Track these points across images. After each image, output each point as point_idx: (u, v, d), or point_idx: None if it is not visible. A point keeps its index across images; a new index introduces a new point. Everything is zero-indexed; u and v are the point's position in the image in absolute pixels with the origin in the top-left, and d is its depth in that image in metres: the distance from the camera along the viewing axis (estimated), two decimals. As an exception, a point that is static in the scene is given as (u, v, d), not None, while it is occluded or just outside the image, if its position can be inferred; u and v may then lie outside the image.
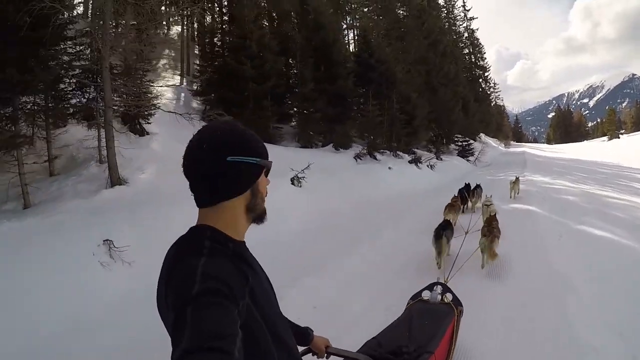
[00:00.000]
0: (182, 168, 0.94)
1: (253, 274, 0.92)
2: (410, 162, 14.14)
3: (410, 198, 9.83)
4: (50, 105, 6.63)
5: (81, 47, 6.85)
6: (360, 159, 12.25)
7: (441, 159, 17.79)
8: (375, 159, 12.93)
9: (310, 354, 1.47)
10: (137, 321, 3.73)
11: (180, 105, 12.42)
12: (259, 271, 0.99)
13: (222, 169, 0.91)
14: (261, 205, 1.00)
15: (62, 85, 6.87)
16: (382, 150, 13.58)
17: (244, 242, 0.98)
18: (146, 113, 8.48)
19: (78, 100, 7.29)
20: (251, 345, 0.84)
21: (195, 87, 13.39)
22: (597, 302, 3.52)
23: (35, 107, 6.41)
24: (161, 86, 13.22)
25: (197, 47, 17.30)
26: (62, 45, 6.62)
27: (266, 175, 1.01)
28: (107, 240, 4.62)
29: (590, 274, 4.14)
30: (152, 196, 5.81)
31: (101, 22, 6.39)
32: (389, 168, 12.16)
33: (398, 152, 14.80)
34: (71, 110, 7.17)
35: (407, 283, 3.63)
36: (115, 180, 6.20)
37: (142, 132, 8.56)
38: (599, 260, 4.59)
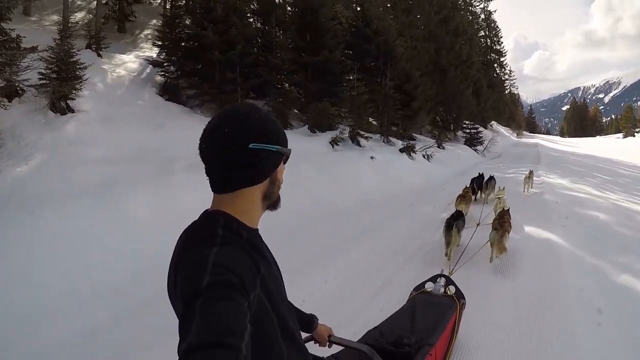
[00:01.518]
0: (198, 151, 0.89)
1: (265, 263, 0.90)
2: (401, 150, 11.77)
3: (389, 206, 7.30)
4: None
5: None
6: (338, 145, 9.98)
7: (443, 148, 15.72)
8: (359, 145, 10.71)
9: (313, 341, 1.42)
10: None
11: (142, 78, 10.75)
12: (270, 259, 0.96)
13: (244, 156, 0.87)
14: (277, 192, 0.98)
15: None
16: (367, 136, 11.26)
17: (257, 229, 0.96)
18: (68, 86, 6.83)
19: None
20: (260, 338, 0.82)
21: (160, 58, 11.46)
22: None
23: None
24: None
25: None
26: None
27: (284, 163, 0.98)
28: None
29: None
30: (11, 201, 4.12)
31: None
32: (371, 158, 9.81)
33: (390, 138, 12.65)
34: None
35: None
36: (-19, 177, 4.54)
37: (64, 111, 6.88)
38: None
